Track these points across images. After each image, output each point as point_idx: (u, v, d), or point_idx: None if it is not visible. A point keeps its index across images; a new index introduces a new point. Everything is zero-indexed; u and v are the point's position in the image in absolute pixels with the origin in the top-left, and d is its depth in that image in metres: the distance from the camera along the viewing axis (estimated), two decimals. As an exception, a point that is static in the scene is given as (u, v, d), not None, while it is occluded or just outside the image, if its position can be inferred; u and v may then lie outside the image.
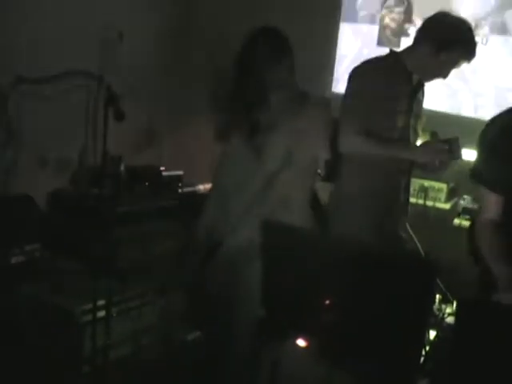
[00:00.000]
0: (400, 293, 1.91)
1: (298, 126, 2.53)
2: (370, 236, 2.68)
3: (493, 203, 2.22)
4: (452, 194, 3.97)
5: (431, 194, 3.78)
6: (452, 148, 2.73)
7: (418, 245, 3.36)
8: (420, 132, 2.93)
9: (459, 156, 2.75)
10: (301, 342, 2.01)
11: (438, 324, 2.31)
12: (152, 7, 4.33)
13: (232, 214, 2.66)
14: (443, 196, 3.86)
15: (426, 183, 3.77)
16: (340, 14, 4.54)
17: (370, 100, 2.67)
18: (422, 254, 3.29)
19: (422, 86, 2.89)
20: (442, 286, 3.09)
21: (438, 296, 2.54)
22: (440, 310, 2.43)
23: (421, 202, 3.66)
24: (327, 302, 1.97)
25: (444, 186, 3.86)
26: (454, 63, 2.75)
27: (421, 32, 2.79)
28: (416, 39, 2.81)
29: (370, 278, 1.96)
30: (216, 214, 2.74)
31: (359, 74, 2.79)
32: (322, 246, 2.09)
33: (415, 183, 3.63)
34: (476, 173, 2.26)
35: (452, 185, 3.97)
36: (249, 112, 2.55)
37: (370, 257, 2.01)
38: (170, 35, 4.51)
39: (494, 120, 2.23)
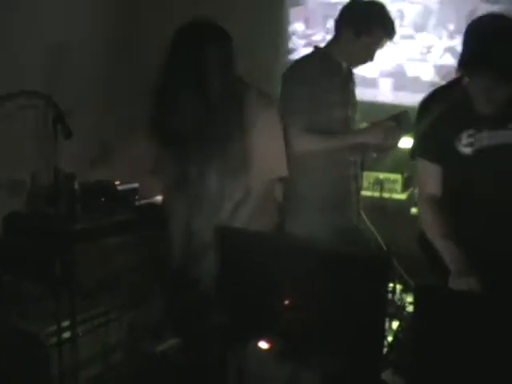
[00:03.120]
0: (356, 286, 1.92)
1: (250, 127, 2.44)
2: (325, 231, 2.70)
3: (430, 174, 2.27)
4: (408, 184, 3.99)
5: (387, 185, 3.80)
6: (401, 123, 2.74)
7: (378, 237, 3.39)
8: (358, 121, 2.97)
9: (410, 130, 2.72)
10: (263, 345, 2.01)
11: (400, 313, 2.33)
12: (97, 21, 4.30)
13: None
14: (399, 187, 3.89)
15: (381, 175, 3.79)
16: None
17: (308, 97, 2.71)
18: (383, 245, 3.32)
19: (352, 74, 2.96)
20: (403, 275, 3.12)
21: (399, 286, 2.55)
22: (401, 299, 2.45)
23: (377, 194, 3.68)
24: (286, 302, 1.97)
25: (399, 177, 3.89)
26: (377, 44, 2.82)
27: (339, 21, 2.87)
28: (336, 29, 2.88)
29: (327, 275, 1.96)
30: None
31: (292, 74, 2.84)
32: (277, 247, 2.08)
33: (370, 176, 3.67)
34: (414, 149, 2.34)
35: (407, 175, 3.99)
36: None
37: (325, 253, 2.02)
38: (117, 48, 4.47)
39: (428, 96, 2.33)
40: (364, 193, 3.43)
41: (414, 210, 3.76)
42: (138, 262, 3.30)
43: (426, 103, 2.32)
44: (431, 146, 2.26)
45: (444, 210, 2.25)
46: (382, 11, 2.83)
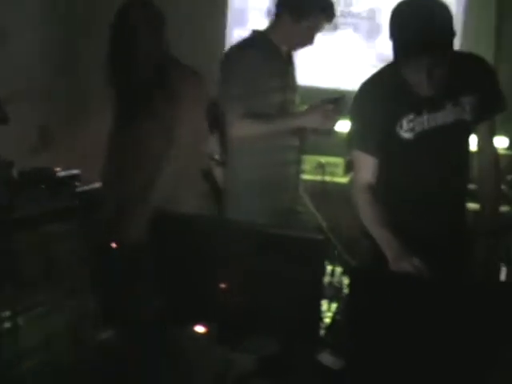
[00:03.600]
0: (293, 268, 1.93)
1: (174, 100, 2.53)
2: (265, 216, 2.69)
3: (367, 165, 2.28)
4: (349, 167, 3.99)
5: (328, 169, 3.81)
6: (339, 107, 2.73)
7: (320, 219, 3.40)
8: (298, 103, 2.95)
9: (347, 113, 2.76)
10: (200, 329, 2.00)
11: (338, 295, 2.35)
12: (35, 7, 4.20)
13: None
14: (340, 170, 3.91)
15: (323, 159, 3.79)
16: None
17: (247, 81, 2.69)
18: (325, 228, 3.33)
19: (292, 58, 2.93)
20: (344, 256, 3.14)
21: (339, 268, 2.56)
22: (340, 281, 2.47)
23: (319, 178, 3.68)
24: (223, 285, 1.96)
25: (341, 161, 3.91)
26: (317, 27, 2.79)
27: (279, 4, 2.82)
28: (276, 13, 2.83)
29: (264, 257, 1.96)
30: None
31: (231, 57, 2.81)
32: (214, 230, 2.07)
33: (312, 160, 3.66)
34: (349, 138, 2.35)
35: (349, 158, 3.98)
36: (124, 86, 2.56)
37: (262, 235, 2.01)
38: (55, 34, 4.38)
39: (360, 86, 2.32)
40: (305, 176, 3.43)
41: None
42: (79, 249, 3.26)
43: (363, 91, 2.31)
44: (369, 138, 2.27)
45: (380, 198, 2.27)
46: None
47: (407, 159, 2.26)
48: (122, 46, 2.49)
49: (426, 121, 2.20)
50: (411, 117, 2.20)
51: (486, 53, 3.25)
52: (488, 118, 2.31)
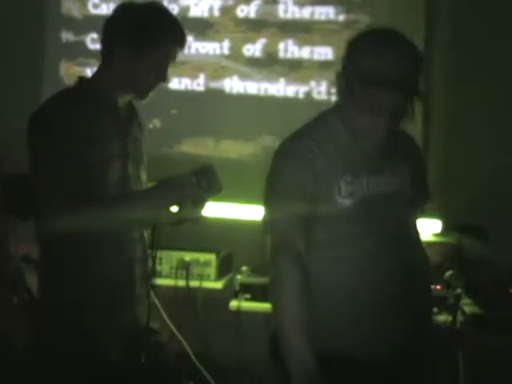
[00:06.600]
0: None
1: None
2: (99, 337, 2.07)
3: (301, 232, 1.94)
4: (225, 267, 3.36)
5: (196, 270, 3.16)
6: (203, 180, 2.17)
7: (184, 343, 2.82)
8: (145, 180, 2.34)
9: (218, 189, 2.20)
10: None
11: None
12: None
13: None
14: (213, 271, 3.24)
15: (188, 256, 3.14)
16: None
17: (64, 152, 2.07)
18: (190, 351, 2.82)
19: (136, 116, 2.33)
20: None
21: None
22: None
23: (182, 282, 3.05)
24: None
25: (212, 258, 3.23)
26: (167, 57, 2.22)
27: (108, 37, 2.21)
28: (106, 49, 2.22)
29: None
30: None
31: (39, 121, 2.15)
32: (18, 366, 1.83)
33: (172, 257, 3.04)
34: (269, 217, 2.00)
35: (224, 254, 3.36)
36: None
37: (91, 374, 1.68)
38: None
39: (282, 144, 2.06)
40: (163, 281, 2.90)
41: (234, 304, 3.12)
42: None
43: (287, 149, 2.02)
44: (298, 206, 1.96)
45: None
46: (165, 12, 2.27)
47: (347, 228, 1.98)
48: None
49: (365, 184, 2.00)
50: (349, 179, 1.99)
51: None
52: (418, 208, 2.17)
